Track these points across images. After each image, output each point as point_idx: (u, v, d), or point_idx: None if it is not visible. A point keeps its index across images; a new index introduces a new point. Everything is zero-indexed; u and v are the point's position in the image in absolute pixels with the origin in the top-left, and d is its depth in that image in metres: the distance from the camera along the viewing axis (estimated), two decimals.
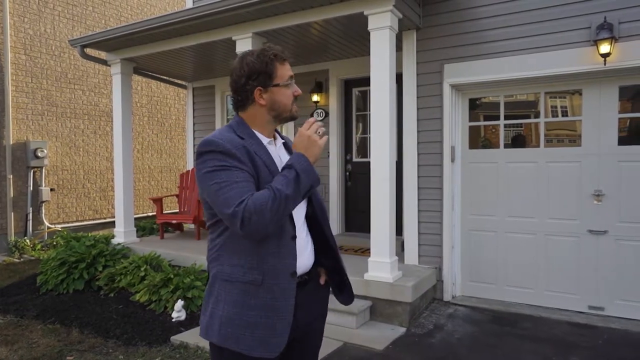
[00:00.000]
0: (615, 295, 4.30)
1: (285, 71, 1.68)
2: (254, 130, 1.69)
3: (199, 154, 1.56)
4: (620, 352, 3.60)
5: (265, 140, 1.70)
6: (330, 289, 1.90)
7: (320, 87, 6.39)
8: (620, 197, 4.29)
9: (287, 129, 6.67)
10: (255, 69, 1.64)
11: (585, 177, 4.43)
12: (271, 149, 1.70)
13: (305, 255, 1.70)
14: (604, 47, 4.02)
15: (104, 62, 6.54)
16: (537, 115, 4.70)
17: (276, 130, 1.80)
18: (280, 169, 1.62)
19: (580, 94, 4.47)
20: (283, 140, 1.83)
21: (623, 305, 4.27)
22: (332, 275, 1.85)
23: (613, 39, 4.02)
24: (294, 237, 1.64)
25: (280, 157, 1.73)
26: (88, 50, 6.32)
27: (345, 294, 1.89)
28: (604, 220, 4.35)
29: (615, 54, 4.06)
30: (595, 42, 4.09)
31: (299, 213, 1.69)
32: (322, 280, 1.82)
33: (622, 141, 4.29)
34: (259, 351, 1.54)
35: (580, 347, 3.69)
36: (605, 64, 4.08)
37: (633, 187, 4.23)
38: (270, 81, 1.65)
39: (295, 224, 1.64)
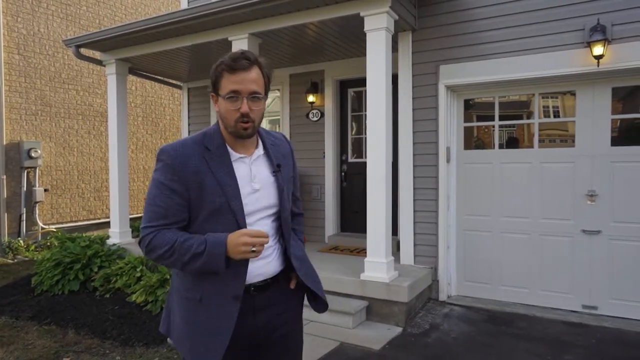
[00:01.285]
0: (608, 294, 4.35)
1: (227, 83, 1.54)
2: (226, 143, 1.62)
3: (156, 157, 1.61)
4: (613, 351, 3.65)
5: (235, 155, 1.62)
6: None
7: (315, 88, 6.41)
8: (613, 198, 4.33)
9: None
10: (211, 75, 1.61)
11: (578, 178, 4.47)
12: (239, 165, 1.62)
13: (268, 260, 1.67)
14: (597, 49, 4.07)
15: (99, 62, 6.52)
16: (531, 116, 4.75)
17: (260, 133, 1.70)
18: (244, 186, 1.59)
19: (574, 95, 4.52)
20: (262, 152, 1.69)
21: (616, 305, 4.32)
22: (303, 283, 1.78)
23: (606, 41, 4.07)
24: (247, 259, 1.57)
25: (255, 171, 1.64)
26: (83, 50, 6.29)
27: (319, 302, 1.83)
28: (597, 220, 4.40)
29: (609, 55, 4.10)
30: (589, 44, 4.14)
31: (261, 225, 1.64)
32: (292, 285, 1.76)
33: (614, 142, 4.34)
34: (201, 358, 1.58)
35: (575, 346, 3.73)
36: (598, 66, 4.13)
37: (626, 188, 4.28)
38: (217, 90, 1.60)
39: None
